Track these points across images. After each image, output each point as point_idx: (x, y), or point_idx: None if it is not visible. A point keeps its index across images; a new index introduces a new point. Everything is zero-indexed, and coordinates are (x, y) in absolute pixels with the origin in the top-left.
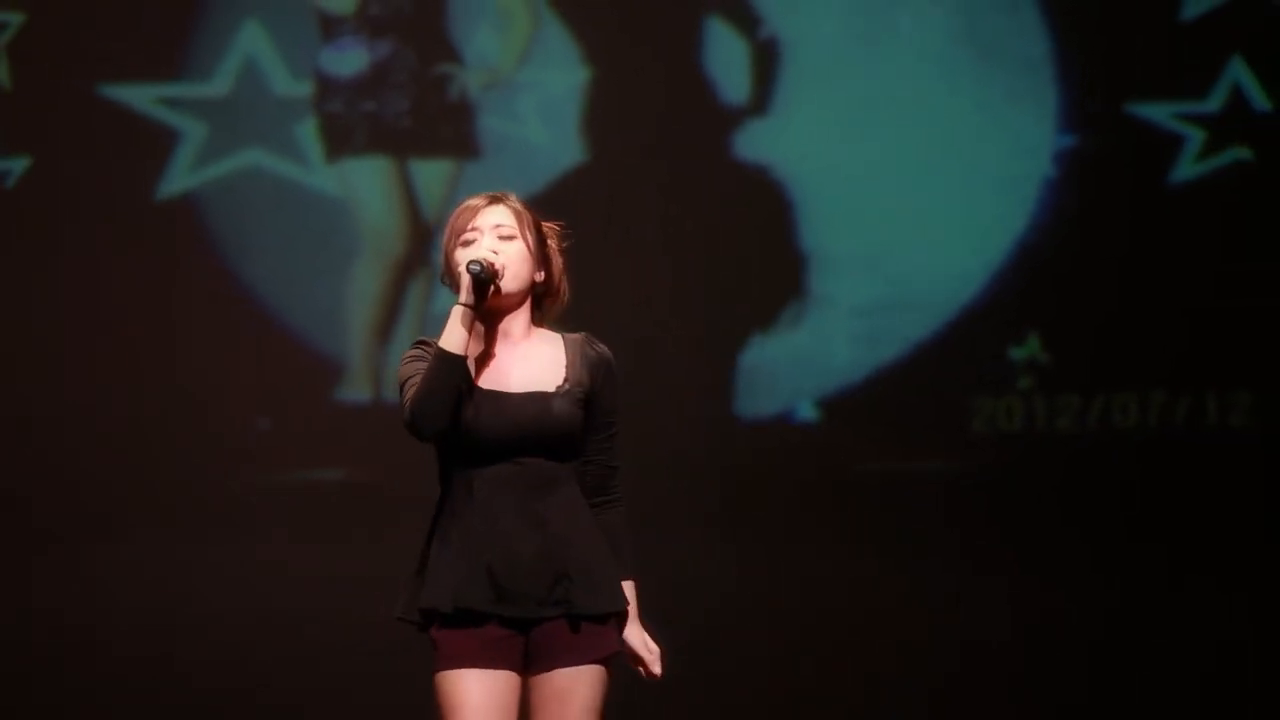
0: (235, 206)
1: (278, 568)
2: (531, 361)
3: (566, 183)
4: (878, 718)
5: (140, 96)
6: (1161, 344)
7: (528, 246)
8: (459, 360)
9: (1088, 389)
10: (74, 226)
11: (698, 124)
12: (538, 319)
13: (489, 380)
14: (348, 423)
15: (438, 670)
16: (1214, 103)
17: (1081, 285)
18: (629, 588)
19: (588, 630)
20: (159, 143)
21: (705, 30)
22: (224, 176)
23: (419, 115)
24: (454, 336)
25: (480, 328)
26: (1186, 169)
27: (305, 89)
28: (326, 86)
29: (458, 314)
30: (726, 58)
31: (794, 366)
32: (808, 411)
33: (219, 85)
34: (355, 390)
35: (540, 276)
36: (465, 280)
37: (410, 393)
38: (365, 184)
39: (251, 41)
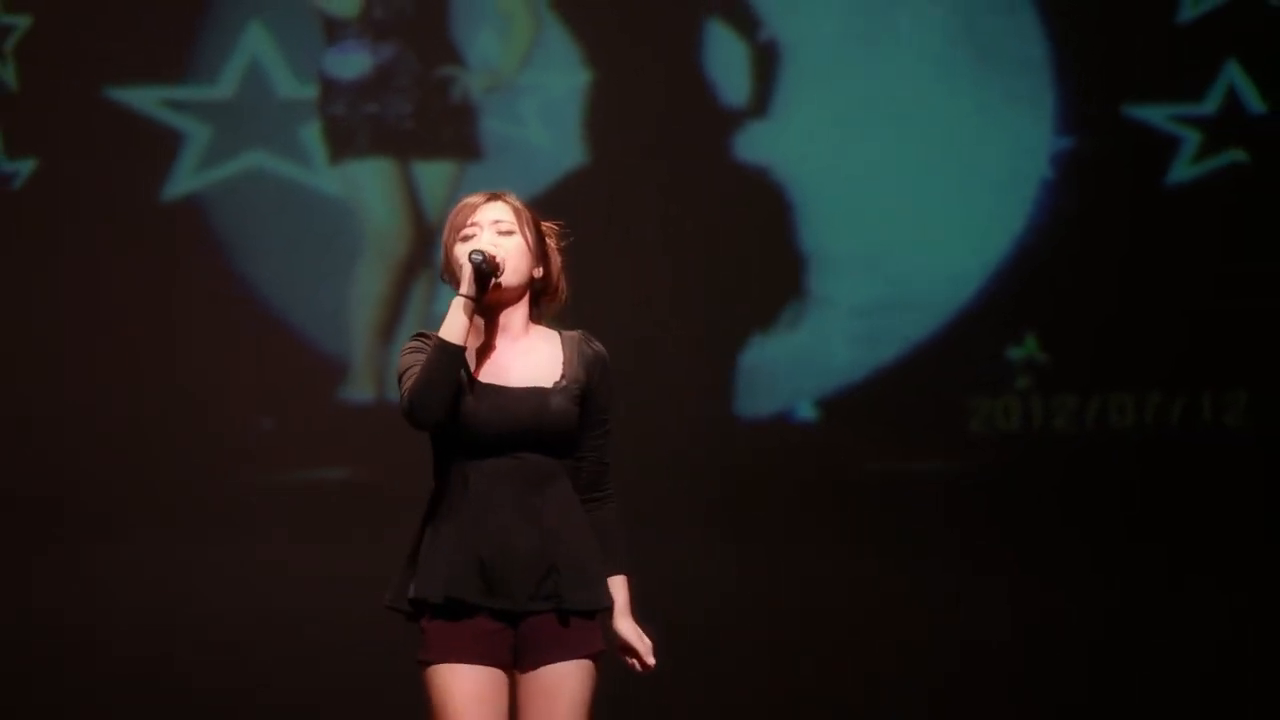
0: (239, 208)
1: (280, 567)
2: (530, 357)
3: (568, 184)
4: (877, 717)
5: (145, 99)
6: (1158, 344)
7: (526, 242)
8: (459, 351)
9: (1085, 389)
10: (79, 227)
11: (698, 125)
12: (535, 316)
13: (488, 374)
14: (351, 422)
15: (428, 663)
16: (1210, 105)
17: (1079, 286)
18: (622, 583)
19: (576, 626)
20: (164, 144)
21: (705, 32)
22: (228, 178)
23: (422, 117)
24: (454, 327)
25: (480, 322)
26: (1183, 171)
27: (309, 91)
28: (330, 89)
29: (458, 305)
30: (726, 60)
31: (793, 366)
32: (807, 411)
33: (223, 88)
34: (358, 390)
35: (539, 273)
36: (466, 271)
37: (409, 382)
38: (368, 185)
39: (256, 44)
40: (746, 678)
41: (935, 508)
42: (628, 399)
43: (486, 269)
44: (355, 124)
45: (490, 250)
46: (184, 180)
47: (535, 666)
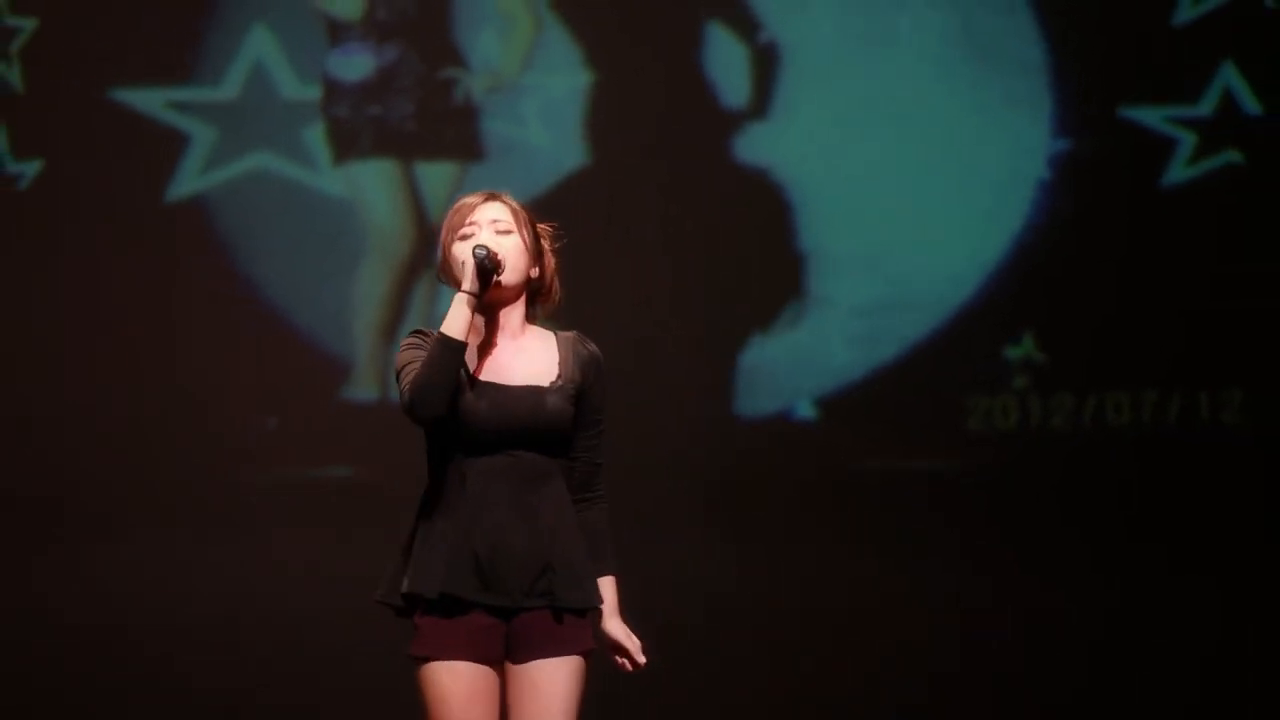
0: (243, 208)
1: (283, 564)
2: (526, 356)
3: (569, 184)
4: (877, 717)
5: (150, 100)
6: (1155, 343)
7: (524, 242)
8: (460, 346)
9: (1082, 388)
10: (84, 228)
11: (698, 127)
12: (531, 316)
13: (486, 372)
14: (354, 421)
15: (423, 658)
16: (1206, 106)
17: (1076, 286)
18: (611, 584)
19: (569, 623)
20: (169, 146)
21: (705, 34)
22: (232, 179)
23: (424, 118)
24: (456, 323)
25: (478, 321)
26: (1179, 172)
27: (313, 93)
28: (333, 90)
29: (460, 301)
30: (726, 61)
31: (793, 366)
32: (807, 411)
33: (228, 89)
34: (361, 389)
35: (535, 273)
36: (469, 267)
37: (409, 378)
38: (371, 186)
39: (260, 46)
40: (745, 677)
41: (934, 506)
42: (628, 398)
43: (489, 265)
44: (358, 125)
45: (493, 247)
46: (188, 181)
47: (527, 661)
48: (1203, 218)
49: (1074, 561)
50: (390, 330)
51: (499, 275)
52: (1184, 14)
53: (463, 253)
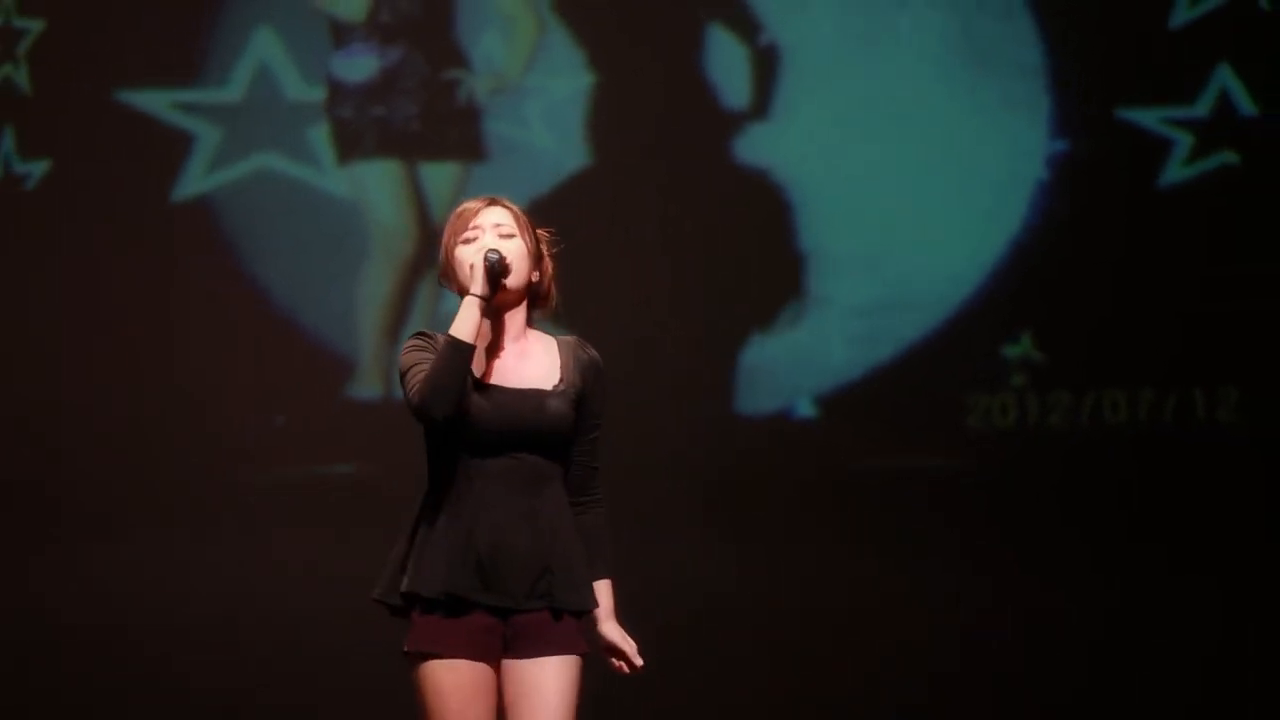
0: (249, 209)
1: (291, 559)
2: (529, 360)
3: (571, 185)
4: (877, 716)
5: (156, 101)
6: (1151, 342)
7: (526, 246)
8: (470, 348)
9: (1079, 386)
10: (91, 228)
11: (699, 127)
12: (530, 320)
13: (489, 375)
14: (358, 419)
15: (420, 655)
16: (1202, 108)
17: (1073, 285)
18: (607, 587)
19: (567, 624)
20: (174, 146)
21: (707, 36)
22: (238, 179)
23: (428, 119)
24: (466, 325)
25: (482, 324)
26: (1175, 172)
27: (317, 94)
28: (338, 91)
29: (470, 303)
30: (727, 63)
31: (793, 365)
32: (807, 409)
33: (233, 90)
34: (366, 387)
35: (535, 277)
36: (479, 270)
37: (418, 378)
38: (375, 186)
39: (264, 48)
40: (745, 677)
41: (933, 503)
42: (630, 398)
43: (499, 268)
44: (362, 126)
45: (504, 248)
46: (194, 181)
47: (525, 660)
48: (1199, 218)
49: (1072, 558)
50: (394, 329)
51: (506, 277)
52: (1181, 16)
53: (467, 256)
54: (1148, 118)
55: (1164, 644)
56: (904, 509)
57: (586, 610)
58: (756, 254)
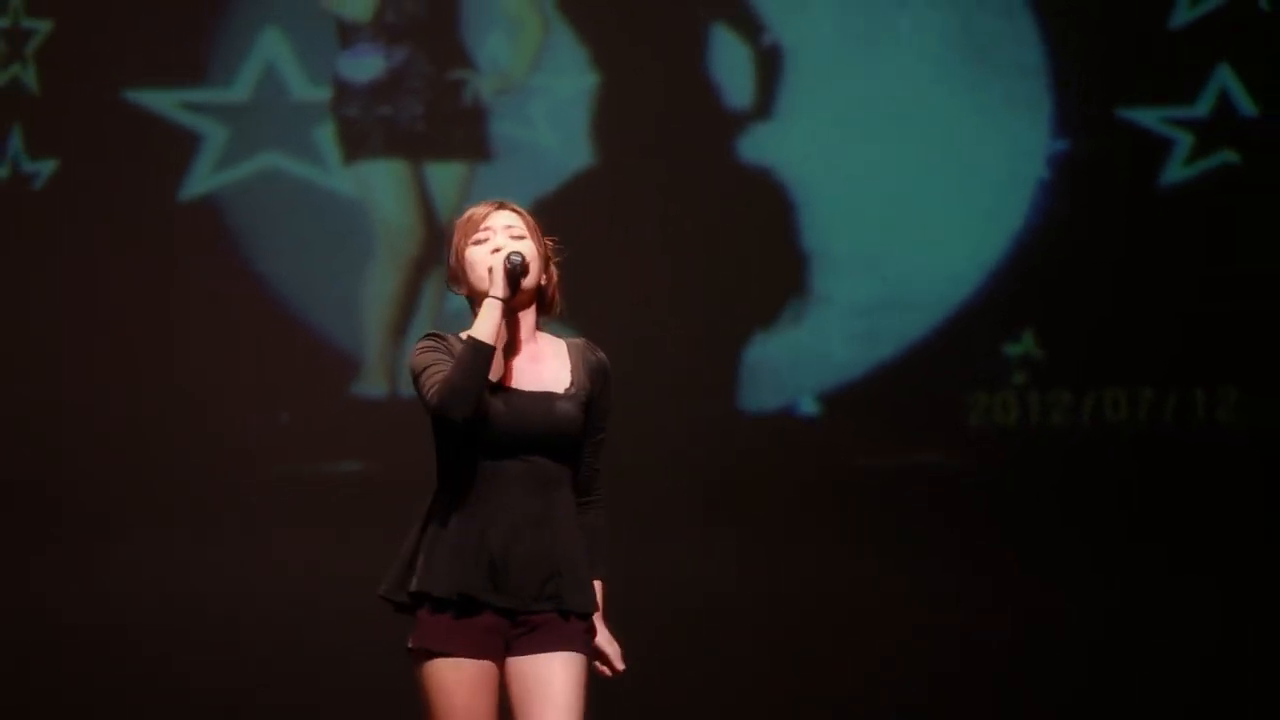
0: (255, 208)
1: (296, 557)
2: (540, 363)
3: (575, 185)
4: (877, 716)
5: (163, 101)
6: (1152, 341)
7: (536, 248)
8: (490, 351)
9: (1080, 385)
10: (98, 227)
11: (702, 127)
12: (539, 324)
13: (502, 377)
14: (364, 417)
15: (425, 652)
16: (1202, 108)
17: (1074, 284)
18: (599, 588)
19: (574, 625)
20: (181, 146)
21: (710, 36)
22: (244, 178)
23: (433, 119)
24: (486, 326)
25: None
26: (1176, 172)
27: (323, 94)
28: (344, 91)
29: (491, 306)
30: (731, 63)
31: (796, 363)
32: (810, 407)
33: (239, 90)
34: (371, 385)
35: (544, 281)
36: (499, 272)
37: (435, 379)
38: (381, 186)
39: (271, 48)
40: (745, 676)
41: (934, 501)
42: (632, 396)
43: (520, 270)
44: (368, 126)
45: (522, 250)
46: (201, 180)
47: (531, 659)
48: (1199, 217)
49: (1073, 557)
50: (399, 328)
51: (525, 279)
52: (1181, 16)
53: (479, 257)
54: (1148, 117)
55: (1164, 644)
56: (905, 507)
57: (592, 613)
58: (759, 253)
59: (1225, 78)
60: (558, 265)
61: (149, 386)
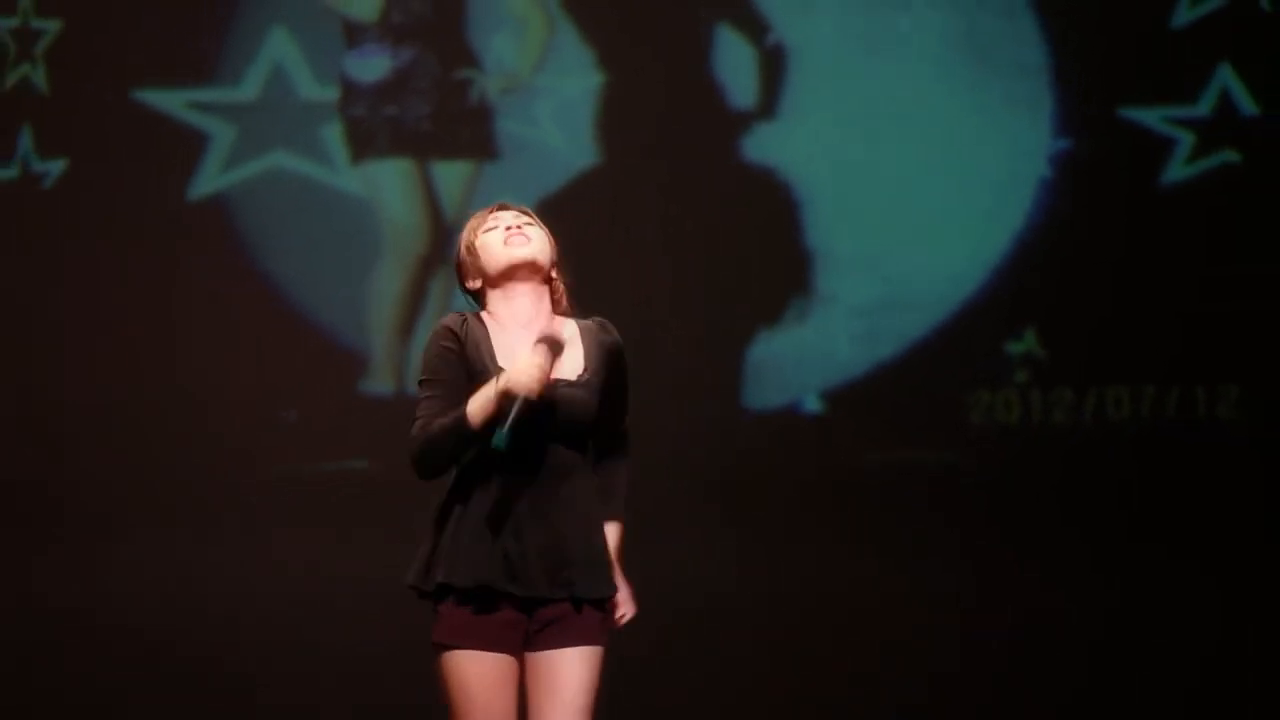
0: (262, 207)
1: (302, 554)
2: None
3: (580, 184)
4: (877, 715)
5: (171, 101)
6: (1153, 339)
7: (546, 236)
8: (472, 435)
9: (1082, 383)
10: (107, 226)
11: (707, 127)
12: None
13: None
14: (371, 415)
15: (446, 646)
16: (1203, 107)
17: (1076, 282)
18: (615, 529)
19: (588, 614)
20: (189, 145)
21: (714, 37)
22: (252, 178)
23: (440, 119)
24: (480, 413)
25: (510, 309)
26: (1177, 171)
27: (330, 93)
28: (351, 91)
29: (494, 399)
30: (735, 63)
31: (800, 361)
32: (813, 405)
33: (247, 90)
34: (378, 383)
35: (554, 273)
36: (517, 404)
37: (423, 428)
38: (388, 185)
39: (279, 48)
40: (746, 674)
41: (936, 499)
42: (636, 394)
43: (557, 347)
44: (375, 125)
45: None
46: (209, 180)
47: (547, 650)
48: (1200, 216)
49: (1073, 555)
50: (406, 326)
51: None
52: (1182, 16)
53: (492, 240)
54: (1149, 117)
55: (1164, 643)
56: (907, 506)
57: (608, 596)
58: (762, 252)
59: (1226, 77)
60: (568, 289)
61: (155, 385)
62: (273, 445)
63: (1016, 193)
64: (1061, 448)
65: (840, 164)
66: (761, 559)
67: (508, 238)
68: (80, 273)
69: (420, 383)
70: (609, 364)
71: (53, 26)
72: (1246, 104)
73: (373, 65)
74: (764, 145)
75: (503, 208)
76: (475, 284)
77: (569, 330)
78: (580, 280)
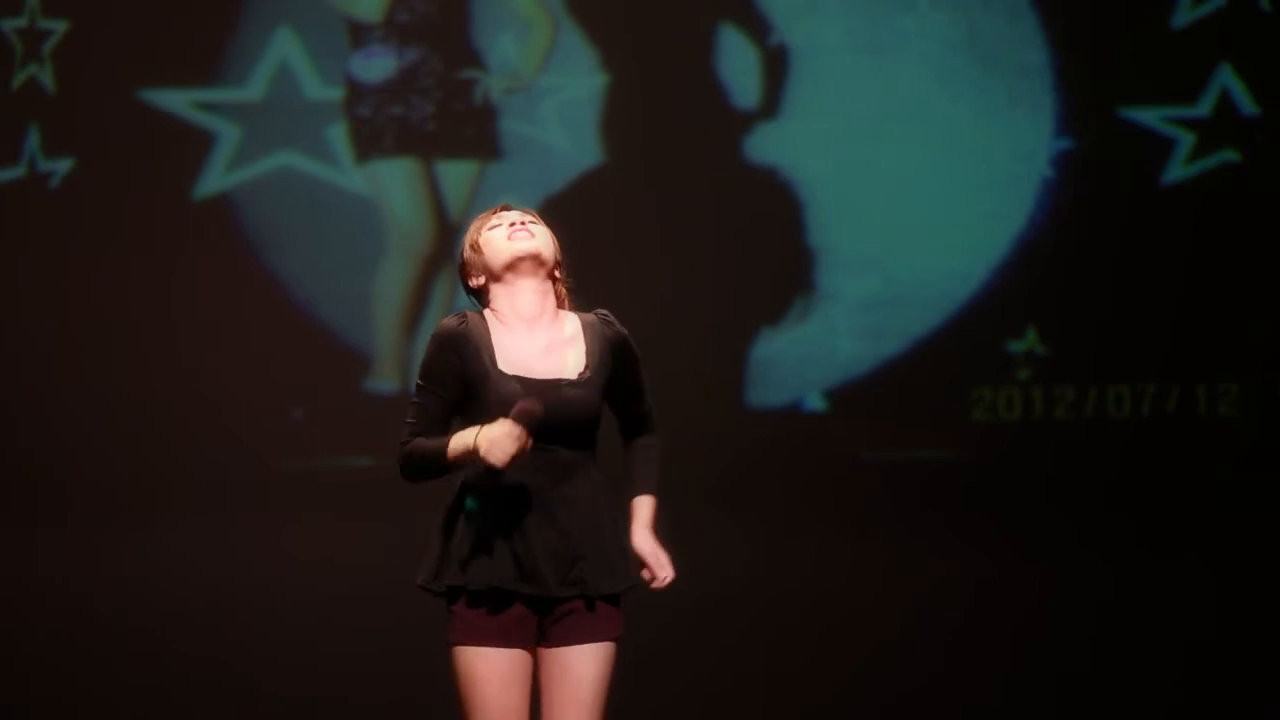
0: (268, 206)
1: (307, 551)
2: (556, 350)
3: (584, 183)
4: (878, 708)
5: (178, 101)
6: (1154, 337)
7: (549, 235)
8: (450, 469)
9: (1083, 380)
10: (114, 225)
11: (710, 127)
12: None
13: (514, 366)
14: (376, 412)
15: (458, 643)
16: (1203, 107)
17: (1077, 281)
18: (648, 502)
19: (601, 610)
20: (195, 145)
21: (718, 37)
22: (258, 177)
23: (444, 118)
24: (459, 457)
25: (515, 305)
26: (1177, 170)
27: (336, 93)
28: (356, 91)
29: (470, 453)
30: (738, 63)
31: (803, 359)
32: (816, 402)
33: (253, 90)
34: (383, 381)
35: (559, 273)
36: (497, 453)
37: (406, 454)
38: (393, 184)
39: (284, 48)
40: (747, 666)
41: (939, 496)
42: None
43: (533, 422)
44: (380, 125)
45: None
46: (215, 179)
47: (561, 647)
48: (1200, 216)
49: (1074, 551)
50: (411, 324)
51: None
52: (1182, 17)
53: (496, 236)
54: (1150, 117)
55: (1165, 638)
56: (909, 502)
57: (619, 593)
58: (765, 251)
59: (1226, 77)
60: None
61: (162, 382)
62: (279, 442)
63: (1018, 192)
64: (1063, 445)
65: (843, 163)
66: (764, 556)
67: (512, 233)
68: (87, 271)
69: (416, 386)
70: (614, 358)
71: (59, 26)
72: (1246, 104)
73: (378, 65)
74: (767, 145)
75: (506, 209)
76: (479, 281)
77: (571, 326)
78: (584, 279)
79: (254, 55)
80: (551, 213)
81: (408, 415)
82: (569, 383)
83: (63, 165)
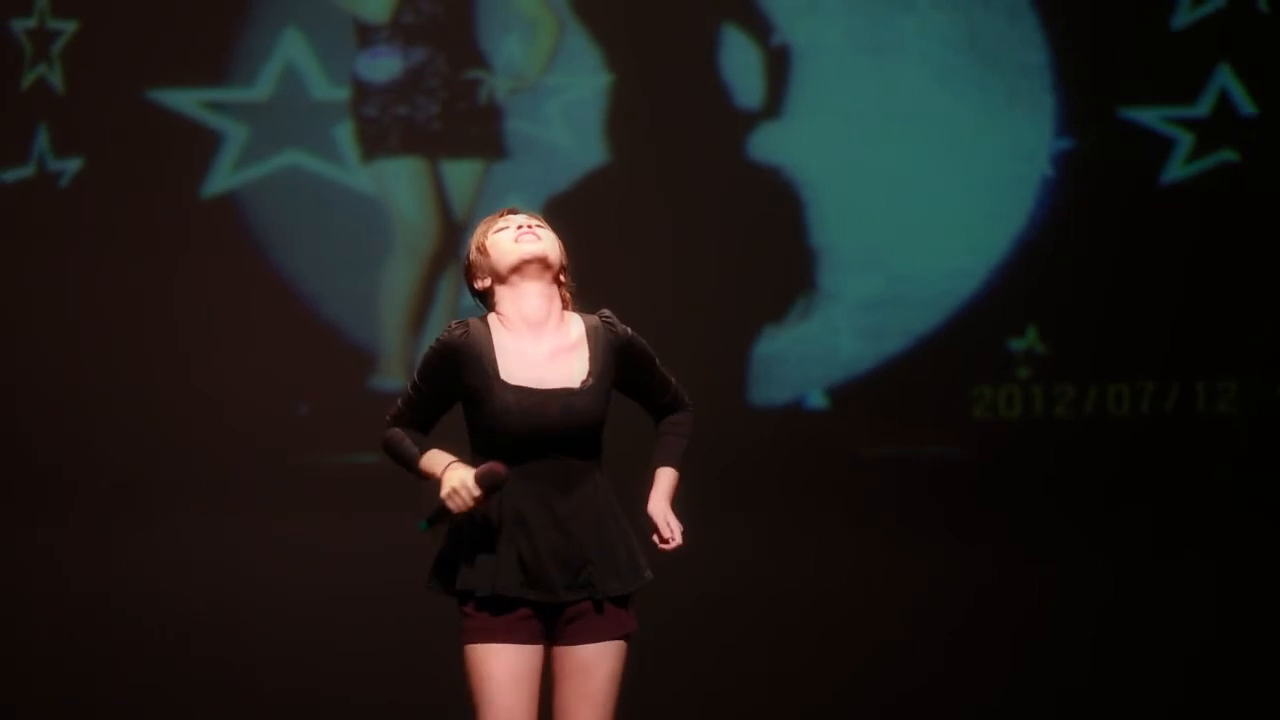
0: (275, 205)
1: (312, 547)
2: (560, 355)
3: (589, 182)
4: (878, 704)
5: (186, 101)
6: (1153, 336)
7: (555, 238)
8: (415, 477)
9: (1083, 378)
10: (122, 223)
11: (714, 126)
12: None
13: (518, 375)
14: (381, 409)
15: (468, 642)
16: (1202, 107)
17: (1077, 279)
18: (668, 474)
19: (610, 611)
20: (203, 144)
21: (721, 38)
22: (265, 176)
23: (449, 118)
24: (428, 475)
25: (517, 308)
26: (1176, 170)
27: (342, 93)
28: (362, 91)
29: (435, 479)
30: (741, 64)
31: (805, 357)
32: (818, 400)
33: (260, 90)
34: (388, 378)
35: (564, 277)
36: (439, 512)
37: (387, 442)
38: (399, 184)
39: (291, 48)
40: (748, 661)
41: (940, 492)
42: None
43: (496, 483)
44: (386, 124)
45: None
46: (222, 178)
47: (571, 646)
48: (1199, 215)
49: (1074, 546)
50: (416, 322)
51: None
52: (1181, 18)
53: (502, 238)
54: (1149, 117)
55: (1166, 632)
56: (910, 499)
57: (629, 594)
58: (768, 250)
59: (1225, 78)
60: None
61: (170, 379)
62: (285, 439)
63: (1018, 192)
64: (1062, 442)
65: (844, 163)
66: (766, 552)
67: (519, 236)
68: (95, 269)
69: (411, 381)
70: (619, 362)
71: (69, 27)
72: (1244, 104)
73: (384, 66)
74: (769, 145)
75: (513, 212)
76: (484, 283)
77: (576, 330)
78: (587, 277)
79: (261, 56)
80: (555, 212)
81: (400, 397)
82: (573, 391)
83: (72, 164)
